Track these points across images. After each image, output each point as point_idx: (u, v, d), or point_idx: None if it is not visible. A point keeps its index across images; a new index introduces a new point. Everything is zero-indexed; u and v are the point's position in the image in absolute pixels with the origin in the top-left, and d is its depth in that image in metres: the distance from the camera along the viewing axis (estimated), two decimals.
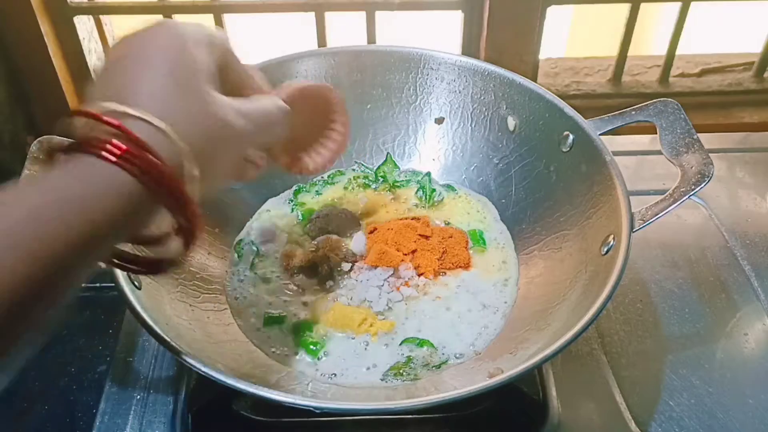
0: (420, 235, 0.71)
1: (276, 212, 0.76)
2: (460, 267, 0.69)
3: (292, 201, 0.76)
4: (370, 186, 0.78)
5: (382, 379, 0.60)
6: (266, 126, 0.49)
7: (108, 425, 0.61)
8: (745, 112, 0.98)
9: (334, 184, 0.78)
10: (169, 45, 0.42)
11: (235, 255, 0.71)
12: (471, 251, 0.71)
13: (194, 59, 0.43)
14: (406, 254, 0.69)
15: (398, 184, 0.78)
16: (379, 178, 0.78)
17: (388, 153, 0.79)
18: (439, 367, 0.61)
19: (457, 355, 0.62)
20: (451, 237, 0.71)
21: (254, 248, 0.71)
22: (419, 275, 0.68)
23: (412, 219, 0.73)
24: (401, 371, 0.61)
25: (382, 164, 0.79)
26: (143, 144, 0.37)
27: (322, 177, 0.78)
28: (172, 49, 0.42)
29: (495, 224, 0.74)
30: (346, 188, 0.77)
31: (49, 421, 0.62)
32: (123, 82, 0.40)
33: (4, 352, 0.34)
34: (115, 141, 0.37)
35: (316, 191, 0.77)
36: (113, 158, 0.37)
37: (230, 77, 0.48)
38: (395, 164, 0.79)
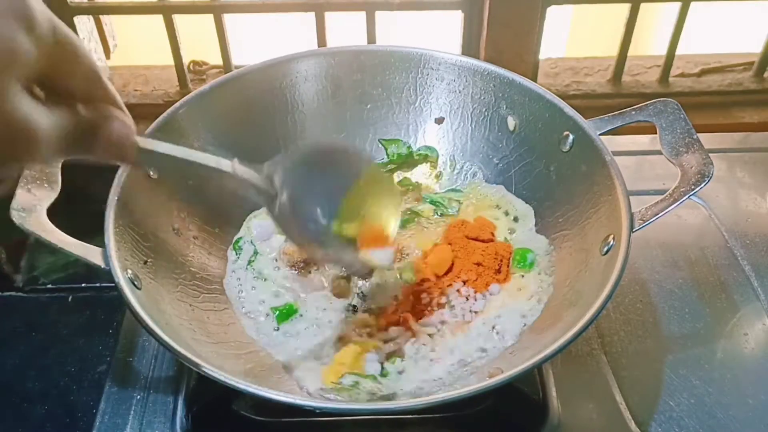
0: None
1: None
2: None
3: None
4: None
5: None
6: None
7: (108, 425, 0.61)
8: (745, 112, 0.98)
9: None
10: None
11: (234, 253, 0.71)
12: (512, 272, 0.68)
13: None
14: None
15: (419, 154, 0.78)
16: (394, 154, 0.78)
17: (383, 139, 0.78)
18: None
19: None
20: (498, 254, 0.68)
21: (252, 246, 0.71)
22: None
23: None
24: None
25: (387, 145, 0.78)
26: None
27: None
28: None
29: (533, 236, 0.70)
30: None
31: (49, 421, 0.62)
32: None
33: None
34: None
35: None
36: None
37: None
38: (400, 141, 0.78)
